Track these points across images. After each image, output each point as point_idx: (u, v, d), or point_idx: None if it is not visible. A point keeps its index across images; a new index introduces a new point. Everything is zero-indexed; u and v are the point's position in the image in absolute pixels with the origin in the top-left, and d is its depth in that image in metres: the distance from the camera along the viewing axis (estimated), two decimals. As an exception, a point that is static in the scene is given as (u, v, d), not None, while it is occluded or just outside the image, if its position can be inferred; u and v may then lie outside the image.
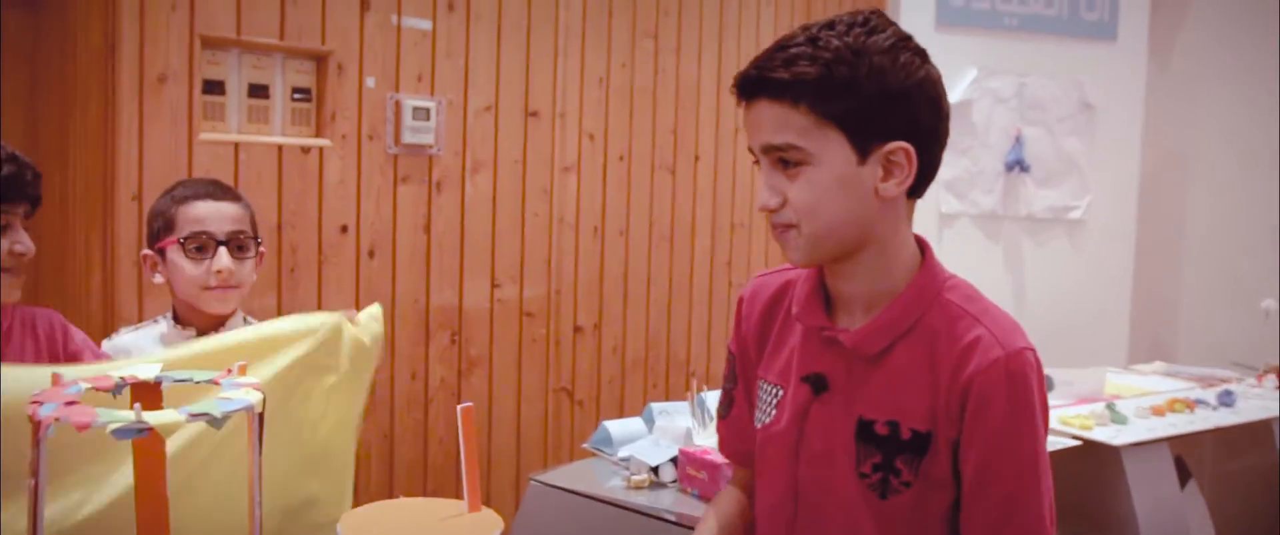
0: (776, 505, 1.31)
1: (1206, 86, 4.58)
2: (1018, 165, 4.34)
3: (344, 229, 2.90)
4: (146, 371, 1.12)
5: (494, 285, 3.26)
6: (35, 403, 0.98)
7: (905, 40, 1.19)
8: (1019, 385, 1.18)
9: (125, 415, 0.95)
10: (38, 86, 2.59)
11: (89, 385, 1.06)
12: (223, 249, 1.79)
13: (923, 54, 1.21)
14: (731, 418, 1.45)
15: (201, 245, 1.78)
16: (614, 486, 2.05)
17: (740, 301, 1.42)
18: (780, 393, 1.31)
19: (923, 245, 1.28)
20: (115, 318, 2.49)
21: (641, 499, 1.98)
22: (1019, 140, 4.34)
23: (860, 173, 1.18)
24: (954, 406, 1.19)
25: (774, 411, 1.31)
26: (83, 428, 0.94)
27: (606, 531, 1.96)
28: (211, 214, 1.79)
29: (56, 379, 1.04)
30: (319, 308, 2.85)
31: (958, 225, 4.37)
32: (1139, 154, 4.48)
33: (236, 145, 2.67)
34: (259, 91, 2.73)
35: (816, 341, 1.27)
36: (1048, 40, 4.32)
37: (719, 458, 1.95)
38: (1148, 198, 4.58)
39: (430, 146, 3.04)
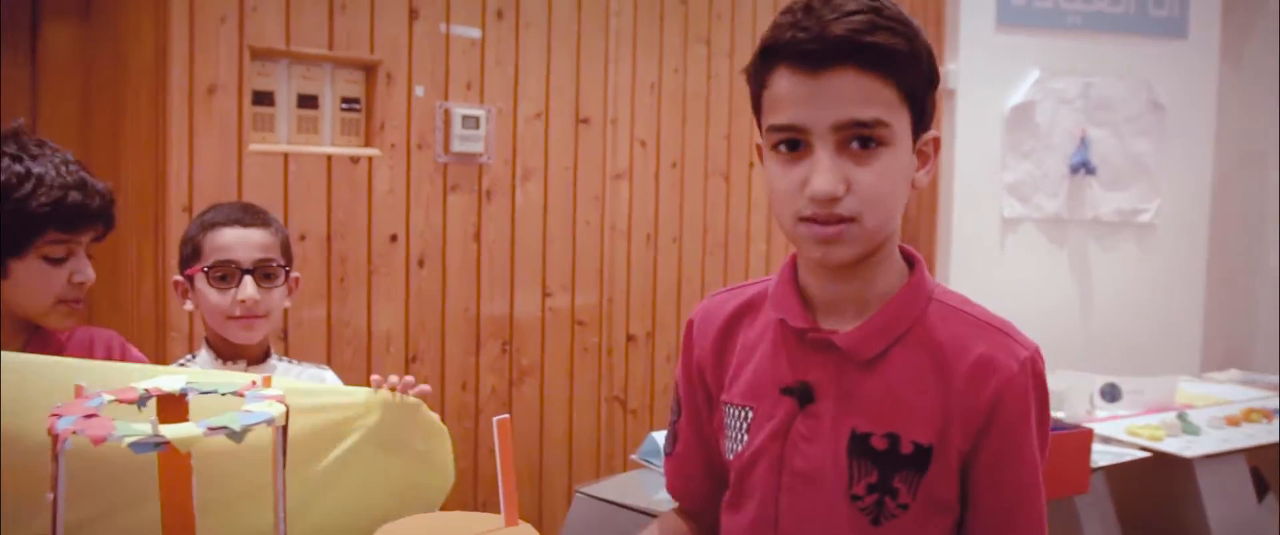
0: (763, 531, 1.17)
1: (1281, 84, 4.43)
2: (1083, 167, 4.22)
3: (393, 238, 2.89)
4: (172, 384, 1.10)
5: (545, 294, 3.24)
6: (54, 416, 0.96)
7: None
8: (1042, 388, 1.11)
9: (141, 429, 0.92)
10: (89, 98, 2.63)
11: (113, 397, 1.04)
12: (248, 278, 1.73)
13: None
14: (676, 455, 1.31)
15: (226, 274, 1.73)
16: (663, 498, 2.00)
17: (689, 325, 1.27)
18: (750, 414, 1.17)
19: (907, 251, 1.18)
20: (167, 327, 2.51)
21: (690, 512, 1.93)
22: (1084, 142, 4.22)
23: (910, 161, 1.09)
24: (974, 419, 1.08)
25: (745, 436, 1.17)
26: (99, 441, 0.92)
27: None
28: (238, 241, 1.74)
29: (79, 390, 1.03)
30: (368, 318, 2.86)
31: (1021, 230, 4.26)
32: (1211, 155, 4.33)
33: (286, 156, 2.67)
34: (308, 102, 2.74)
35: (795, 349, 1.14)
36: (1114, 39, 4.20)
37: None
38: (1221, 200, 4.43)
39: (480, 155, 3.02)
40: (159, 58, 2.48)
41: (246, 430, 0.97)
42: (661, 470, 2.11)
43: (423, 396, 1.49)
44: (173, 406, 1.09)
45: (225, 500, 1.28)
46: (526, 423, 3.20)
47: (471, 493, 3.08)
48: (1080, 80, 4.20)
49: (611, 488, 2.08)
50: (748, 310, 1.21)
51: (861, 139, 1.04)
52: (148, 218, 2.55)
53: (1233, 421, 2.68)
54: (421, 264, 2.96)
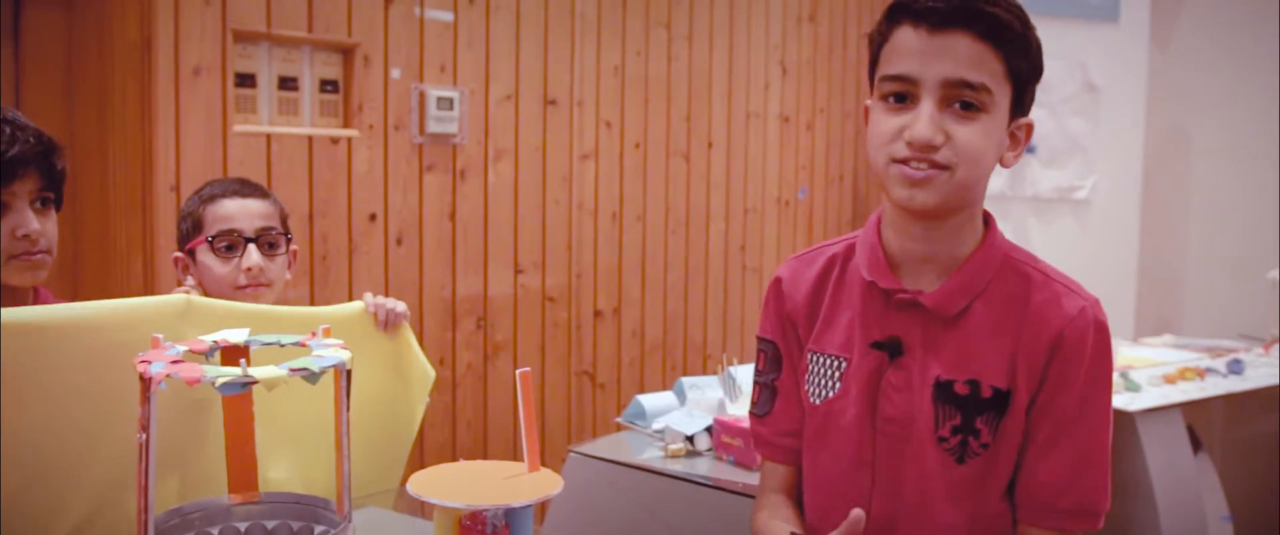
0: (848, 477, 1.28)
1: (1207, 65, 4.66)
2: (1024, 146, 4.42)
3: (373, 217, 2.97)
4: (236, 336, 1.19)
5: (517, 271, 3.33)
6: (143, 361, 1.04)
7: None
8: (1104, 334, 1.21)
9: (232, 371, 1.01)
10: (72, 80, 2.66)
11: (186, 348, 1.12)
12: (252, 246, 1.75)
13: None
14: (775, 412, 1.38)
15: (231, 243, 1.75)
16: (651, 456, 2.11)
17: (776, 284, 1.38)
18: (844, 364, 1.28)
19: (984, 213, 1.29)
20: (156, 306, 2.56)
21: (679, 467, 2.05)
22: (1024, 122, 4.42)
23: (1003, 136, 1.20)
24: (1038, 361, 1.19)
25: (839, 384, 1.28)
26: (192, 383, 1.01)
27: (646, 498, 2.03)
28: (240, 211, 1.76)
29: (156, 341, 1.11)
30: (350, 295, 2.92)
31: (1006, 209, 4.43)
32: (1142, 133, 4.55)
33: (268, 137, 2.73)
34: (289, 84, 2.80)
35: (884, 307, 1.25)
36: (1050, 22, 4.37)
37: (754, 425, 2.02)
38: (1151, 176, 4.66)
39: (454, 135, 3.10)
40: (144, 41, 2.52)
41: (323, 371, 1.06)
42: (647, 432, 2.24)
43: (401, 318, 1.67)
44: (236, 356, 1.18)
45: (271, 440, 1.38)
46: (501, 398, 3.29)
47: (451, 461, 3.16)
48: (1020, 62, 4.39)
49: (602, 446, 2.18)
50: (832, 267, 1.33)
51: (964, 102, 1.15)
52: (135, 197, 2.59)
53: (1170, 380, 2.85)
54: (399, 242, 3.03)
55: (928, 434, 1.22)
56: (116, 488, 1.30)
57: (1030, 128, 1.23)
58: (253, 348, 1.19)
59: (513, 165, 3.28)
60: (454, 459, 3.20)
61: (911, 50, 1.16)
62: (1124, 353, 3.21)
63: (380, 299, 1.68)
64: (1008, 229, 4.43)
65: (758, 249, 4.05)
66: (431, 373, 1.73)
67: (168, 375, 1.01)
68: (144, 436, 1.04)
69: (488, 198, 3.23)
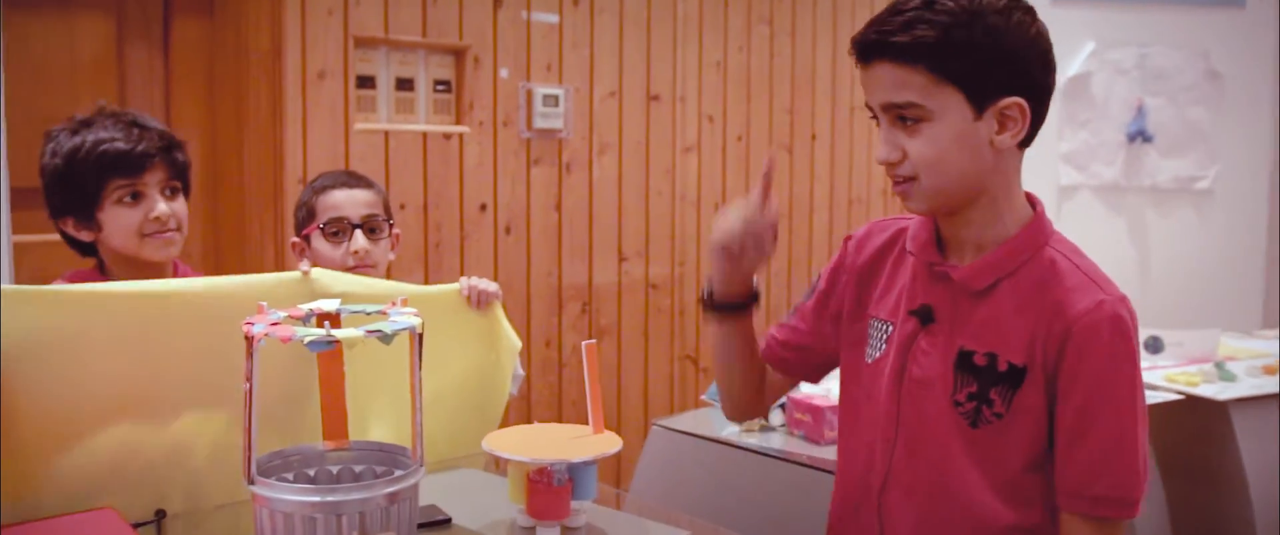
0: (879, 426, 1.38)
1: (1340, 50, 4.48)
2: (1140, 136, 4.34)
3: (483, 208, 3.17)
4: (330, 305, 1.37)
5: (621, 259, 3.49)
6: (248, 323, 1.23)
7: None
8: (1120, 330, 1.24)
9: (317, 332, 1.19)
10: (214, 84, 2.93)
11: (286, 314, 1.31)
12: (358, 231, 1.93)
13: (1032, 12, 1.27)
14: (787, 325, 1.54)
15: (339, 230, 1.94)
16: (729, 431, 2.24)
17: (847, 240, 1.50)
18: (890, 328, 1.39)
19: (1033, 201, 1.35)
20: (286, 289, 2.81)
21: (753, 441, 2.17)
22: (1141, 110, 4.34)
23: (976, 127, 1.24)
24: (1053, 346, 1.25)
25: (883, 346, 1.39)
26: (285, 340, 1.19)
27: (721, 469, 2.16)
28: (347, 200, 1.95)
29: (261, 308, 1.30)
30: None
31: (1078, 197, 4.39)
32: (1271, 122, 4.40)
33: (386, 134, 2.96)
34: (405, 85, 3.02)
35: (926, 277, 1.35)
36: (1170, 10, 4.30)
37: (823, 401, 2.13)
38: (1281, 166, 4.50)
39: (560, 131, 3.28)
40: (275, 48, 2.78)
41: (395, 334, 1.23)
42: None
43: (493, 297, 1.82)
44: (330, 321, 1.36)
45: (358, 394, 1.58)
46: (604, 377, 3.46)
47: (555, 442, 3.34)
48: (1136, 51, 4.31)
49: (684, 421, 2.32)
50: (898, 240, 1.43)
51: (902, 117, 1.26)
52: (268, 189, 2.85)
53: (1270, 370, 2.82)
54: (508, 231, 3.23)
55: (946, 396, 1.31)
56: (233, 433, 1.50)
57: (1021, 105, 1.25)
58: (344, 314, 1.37)
59: (617, 158, 3.44)
60: (560, 437, 3.38)
61: (864, 84, 1.30)
62: (1228, 343, 3.16)
63: (473, 280, 1.86)
64: (1122, 221, 4.42)
65: (861, 239, 4.10)
66: (517, 343, 1.89)
67: (266, 334, 1.19)
68: (248, 386, 1.22)
69: (592, 190, 3.39)
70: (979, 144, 1.26)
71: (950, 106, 1.24)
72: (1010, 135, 1.26)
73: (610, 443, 1.54)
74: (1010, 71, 1.24)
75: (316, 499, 1.20)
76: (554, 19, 3.25)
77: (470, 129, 3.12)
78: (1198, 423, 2.67)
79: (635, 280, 3.53)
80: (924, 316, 1.35)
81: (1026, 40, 1.25)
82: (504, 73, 3.16)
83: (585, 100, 3.35)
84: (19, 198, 2.30)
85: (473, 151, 3.13)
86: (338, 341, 1.19)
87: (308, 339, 1.18)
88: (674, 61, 3.54)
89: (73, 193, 1.70)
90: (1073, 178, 4.34)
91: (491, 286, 1.87)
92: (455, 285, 1.85)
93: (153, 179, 1.72)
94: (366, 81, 2.95)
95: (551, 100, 3.24)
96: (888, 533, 1.38)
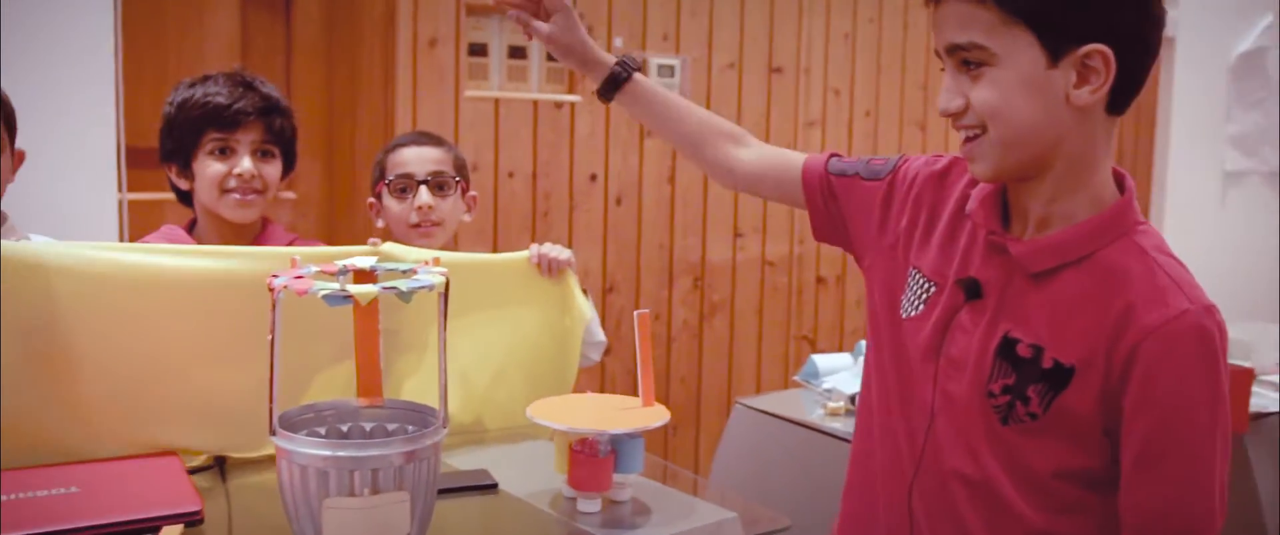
0: (919, 409, 1.25)
1: None
2: (1319, 117, 3.99)
3: (593, 178, 3.15)
4: (364, 261, 1.37)
5: (737, 235, 3.42)
6: (272, 277, 1.24)
7: None
8: (1205, 345, 1.08)
9: (332, 286, 1.19)
10: (332, 53, 3.01)
11: (319, 268, 1.31)
12: (423, 187, 1.95)
13: None
14: (835, 158, 1.40)
15: (405, 186, 1.96)
16: (815, 414, 2.16)
17: (935, 159, 1.33)
18: (933, 290, 1.25)
19: (1122, 180, 1.19)
20: (394, 253, 2.87)
21: (837, 424, 2.09)
22: (1321, 90, 3.99)
23: (1050, 76, 1.10)
24: (1120, 356, 1.09)
25: (922, 307, 1.25)
26: (301, 293, 1.19)
27: (799, 451, 2.08)
28: (414, 158, 1.98)
29: (294, 261, 1.31)
30: (570, 248, 3.13)
31: (1245, 184, 4.08)
32: None
33: (496, 101, 2.98)
34: (518, 53, 3.03)
35: (982, 247, 1.21)
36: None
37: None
38: None
39: (674, 102, 3.22)
40: (388, 16, 2.82)
41: (412, 292, 1.22)
42: (818, 390, 2.28)
43: (564, 265, 1.81)
44: (364, 277, 1.35)
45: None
46: (715, 354, 3.40)
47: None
48: (1318, 25, 3.96)
49: (769, 401, 2.25)
50: (968, 193, 1.27)
51: (966, 61, 1.13)
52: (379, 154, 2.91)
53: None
54: (619, 202, 3.20)
55: (979, 384, 1.18)
56: (293, 386, 1.52)
57: (1104, 54, 1.09)
58: (378, 271, 1.37)
59: (735, 131, 3.36)
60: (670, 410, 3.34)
61: (932, 24, 1.17)
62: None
63: (545, 248, 1.84)
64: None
65: (997, 222, 3.91)
66: (587, 314, 1.86)
67: (285, 287, 1.20)
68: (270, 338, 1.23)
69: (707, 162, 3.33)
70: (1052, 97, 1.10)
71: (1019, 49, 1.09)
72: (1090, 89, 1.10)
73: (657, 415, 1.49)
74: (1091, 13, 1.08)
75: (328, 453, 1.19)
76: (671, -13, 3.20)
77: (582, 98, 3.11)
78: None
79: (751, 257, 3.46)
80: (970, 290, 1.20)
81: None
82: (618, 41, 3.13)
83: (703, 71, 3.29)
84: (141, 157, 2.41)
85: (584, 121, 3.11)
86: (352, 297, 1.18)
87: (322, 292, 1.18)
88: (798, 32, 3.43)
89: (176, 139, 1.80)
90: (1240, 163, 4.03)
91: (563, 253, 1.84)
92: (525, 253, 1.83)
93: (245, 137, 1.79)
94: (478, 49, 2.97)
95: (667, 70, 3.18)
96: (922, 527, 1.25)
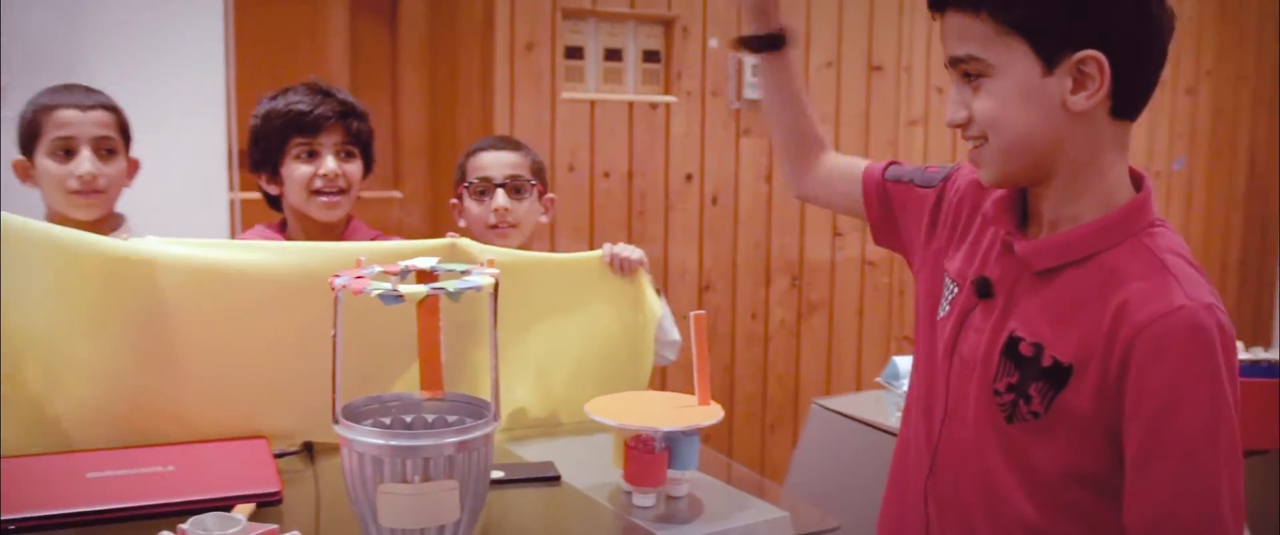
0: (933, 395, 1.29)
1: None
2: None
3: (689, 178, 3.19)
4: (426, 262, 1.44)
5: (835, 235, 3.41)
6: (335, 276, 1.32)
7: None
8: (1199, 341, 1.06)
9: (384, 285, 1.26)
10: (435, 57, 3.12)
11: (381, 269, 1.39)
12: (500, 190, 2.01)
13: None
14: (893, 167, 1.45)
15: (484, 189, 2.03)
16: (893, 416, 2.15)
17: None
18: (956, 291, 1.28)
19: (1140, 180, 1.19)
20: (493, 251, 2.96)
21: (912, 426, 2.07)
22: None
23: (1046, 84, 1.11)
24: (1116, 354, 1.08)
25: (948, 308, 1.29)
26: (357, 293, 1.26)
27: (871, 452, 2.07)
28: (492, 162, 2.05)
29: (359, 261, 1.38)
30: (665, 248, 3.18)
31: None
32: None
33: (593, 103, 3.04)
34: (613, 55, 3.09)
35: (994, 247, 1.24)
36: None
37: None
38: None
39: (771, 101, 3.23)
40: (486, 19, 2.91)
41: (460, 292, 1.28)
42: (898, 392, 2.26)
43: (636, 264, 1.84)
44: (425, 277, 1.43)
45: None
46: (814, 353, 3.40)
47: (759, 416, 3.33)
48: None
49: (846, 402, 2.25)
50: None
51: (966, 73, 1.16)
52: (478, 156, 3.01)
53: None
54: (715, 202, 3.23)
55: (986, 382, 1.20)
56: (371, 376, 1.61)
57: (1098, 60, 1.10)
58: (439, 272, 1.44)
59: (833, 130, 3.35)
60: (764, 411, 3.36)
61: (940, 37, 1.20)
62: None
63: (617, 248, 1.89)
64: None
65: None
66: (657, 311, 1.90)
67: (344, 286, 1.27)
68: (334, 333, 1.31)
69: (805, 162, 3.32)
70: (1049, 104, 1.12)
71: (1014, 59, 1.12)
72: (1087, 96, 1.11)
73: (710, 414, 1.52)
74: (1086, 20, 1.09)
75: (382, 442, 1.27)
76: (768, -13, 3.20)
77: (678, 99, 3.15)
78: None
79: (850, 257, 3.44)
80: (982, 289, 1.22)
81: None
82: (713, 42, 3.15)
83: (800, 70, 3.28)
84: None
85: (680, 121, 3.15)
86: (402, 296, 1.25)
87: (375, 292, 1.25)
88: (898, 29, 3.40)
89: (264, 148, 1.92)
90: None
91: (635, 253, 1.89)
92: (598, 252, 1.88)
93: (328, 140, 1.90)
94: (575, 52, 3.04)
95: (763, 70, 3.19)
96: (933, 522, 1.28)
